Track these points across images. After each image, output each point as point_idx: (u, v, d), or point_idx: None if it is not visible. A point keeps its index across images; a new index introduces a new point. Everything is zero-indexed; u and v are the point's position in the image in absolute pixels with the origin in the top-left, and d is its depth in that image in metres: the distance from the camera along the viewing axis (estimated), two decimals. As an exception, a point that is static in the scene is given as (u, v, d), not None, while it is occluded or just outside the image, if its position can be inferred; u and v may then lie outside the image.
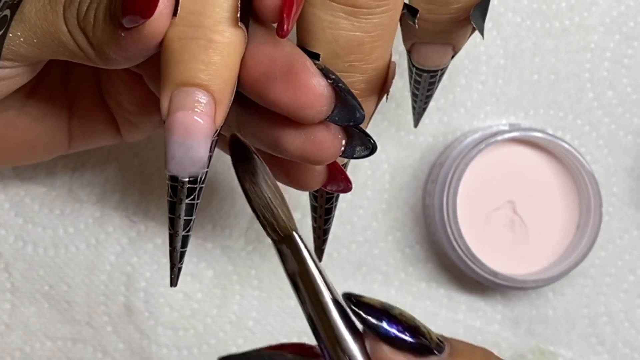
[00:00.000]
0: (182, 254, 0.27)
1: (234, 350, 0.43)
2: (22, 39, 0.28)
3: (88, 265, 0.43)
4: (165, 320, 0.43)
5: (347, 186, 0.31)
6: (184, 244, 0.27)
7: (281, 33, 0.25)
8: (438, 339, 0.25)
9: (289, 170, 0.31)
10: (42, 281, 0.43)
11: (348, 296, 0.25)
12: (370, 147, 0.29)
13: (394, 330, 0.25)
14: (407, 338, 0.25)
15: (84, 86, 0.36)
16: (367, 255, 0.45)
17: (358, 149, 0.29)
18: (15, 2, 0.28)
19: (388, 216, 0.45)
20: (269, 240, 0.44)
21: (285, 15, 0.25)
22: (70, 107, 0.36)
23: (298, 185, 0.31)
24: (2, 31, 0.27)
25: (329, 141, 0.28)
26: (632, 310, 0.46)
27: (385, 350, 0.25)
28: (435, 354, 0.25)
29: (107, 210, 0.43)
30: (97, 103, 0.36)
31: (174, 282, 0.28)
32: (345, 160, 0.32)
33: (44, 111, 0.35)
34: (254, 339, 0.44)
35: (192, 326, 0.43)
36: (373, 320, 0.25)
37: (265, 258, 0.44)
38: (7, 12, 0.27)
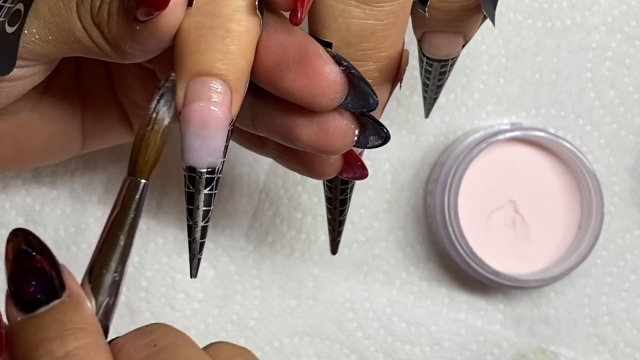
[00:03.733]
0: (202, 245, 0.27)
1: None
2: (37, 37, 0.27)
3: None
4: (166, 319, 0.43)
5: (363, 173, 0.31)
6: (203, 235, 0.27)
7: (295, 21, 0.25)
8: None
9: (305, 159, 0.31)
10: (43, 281, 0.43)
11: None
12: (383, 136, 0.28)
13: None
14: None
15: (95, 83, 0.36)
16: (368, 254, 0.45)
17: (371, 138, 0.29)
18: None
19: (389, 216, 0.45)
20: (270, 240, 0.44)
21: (299, 3, 0.25)
22: (83, 106, 0.36)
23: (314, 174, 0.31)
24: (17, 26, 0.27)
25: (341, 131, 0.28)
26: (633, 309, 0.46)
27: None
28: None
29: (108, 210, 0.43)
30: (109, 100, 0.36)
31: (193, 273, 0.28)
32: (360, 149, 0.32)
33: (58, 110, 0.35)
34: (255, 339, 0.44)
35: (193, 326, 0.43)
36: None
37: (266, 258, 0.44)
38: (21, 6, 0.27)
